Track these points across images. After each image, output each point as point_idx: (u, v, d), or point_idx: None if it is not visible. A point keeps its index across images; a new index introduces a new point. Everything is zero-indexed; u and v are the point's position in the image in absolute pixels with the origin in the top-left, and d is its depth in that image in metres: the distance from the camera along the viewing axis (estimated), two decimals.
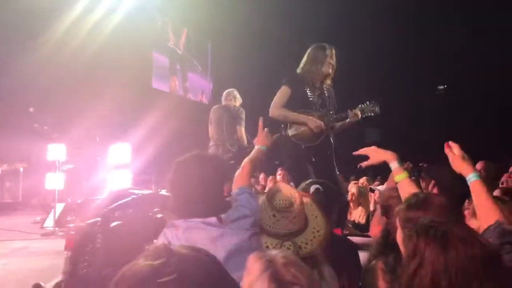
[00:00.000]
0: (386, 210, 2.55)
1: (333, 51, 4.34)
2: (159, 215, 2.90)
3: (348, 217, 5.99)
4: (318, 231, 2.14)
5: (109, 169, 9.04)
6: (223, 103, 6.29)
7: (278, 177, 7.59)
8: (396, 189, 2.46)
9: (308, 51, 4.39)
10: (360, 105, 4.31)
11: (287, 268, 1.25)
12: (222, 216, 2.01)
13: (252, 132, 6.66)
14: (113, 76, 9.78)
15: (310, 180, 2.83)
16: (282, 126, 4.35)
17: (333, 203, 2.65)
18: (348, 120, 4.33)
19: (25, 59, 8.57)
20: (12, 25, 8.47)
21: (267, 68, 11.82)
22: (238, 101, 6.27)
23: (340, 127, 4.44)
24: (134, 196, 3.14)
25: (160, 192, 3.17)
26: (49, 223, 6.68)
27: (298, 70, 4.41)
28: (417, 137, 13.74)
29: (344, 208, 4.57)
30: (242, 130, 6.01)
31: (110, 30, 10.00)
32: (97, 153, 10.03)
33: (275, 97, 4.31)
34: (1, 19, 8.16)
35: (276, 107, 4.26)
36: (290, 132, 4.27)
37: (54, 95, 9.31)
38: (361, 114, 4.27)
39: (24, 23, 8.66)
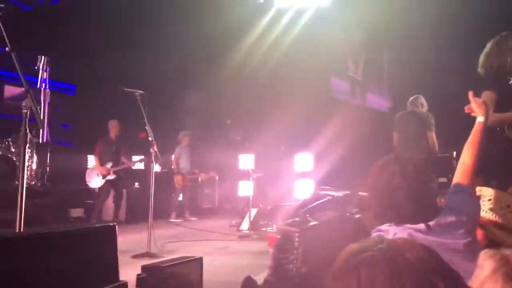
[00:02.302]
0: None
1: None
2: (357, 216, 2.96)
3: None
4: None
5: (294, 177, 9.51)
6: (409, 109, 6.08)
7: None
8: None
9: (494, 42, 3.97)
10: None
11: None
12: (432, 222, 1.86)
13: (441, 138, 6.34)
14: (294, 91, 10.24)
15: None
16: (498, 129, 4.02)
17: None
18: None
19: (215, 76, 9.56)
20: (202, 46, 9.52)
21: (446, 69, 11.07)
22: (425, 107, 6.02)
23: None
24: (330, 197, 3.25)
25: (358, 192, 3.22)
26: (245, 226, 7.27)
27: (486, 66, 4.04)
28: None
29: None
30: (433, 136, 5.73)
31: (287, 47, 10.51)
32: (281, 162, 10.62)
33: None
34: (198, 41, 9.22)
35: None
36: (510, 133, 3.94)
37: (242, 108, 10.13)
38: None
39: (213, 44, 9.65)
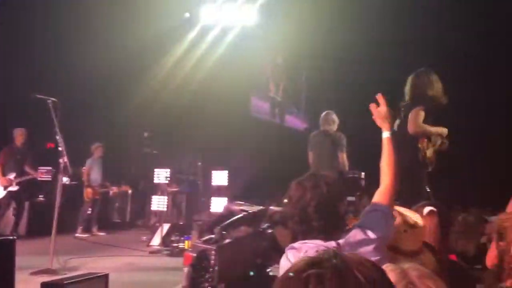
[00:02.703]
0: (501, 234, 2.43)
1: (436, 76, 4.52)
2: (269, 231, 2.98)
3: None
4: (424, 255, 2.09)
5: (210, 193, 9.46)
6: (322, 127, 6.28)
7: None
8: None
9: (412, 79, 4.54)
10: None
11: (421, 280, 1.21)
12: (341, 240, 1.91)
13: (352, 158, 6.62)
14: (215, 107, 10.24)
15: (424, 202, 2.77)
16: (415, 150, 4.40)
17: (447, 226, 2.58)
18: None
19: (136, 88, 9.32)
20: (124, 58, 9.25)
21: (363, 92, 11.66)
22: (337, 123, 6.24)
23: None
24: (245, 213, 3.25)
25: (270, 208, 3.24)
26: (156, 241, 7.07)
27: (410, 98, 4.52)
28: None
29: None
30: (344, 157, 5.99)
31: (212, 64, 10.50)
32: (198, 178, 10.52)
33: (412, 118, 4.36)
34: (117, 54, 8.94)
35: (416, 125, 4.31)
36: (428, 153, 4.34)
37: (162, 122, 9.94)
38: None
39: (138, 58, 9.42)
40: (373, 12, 10.08)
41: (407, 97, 4.53)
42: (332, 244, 1.87)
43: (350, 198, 8.67)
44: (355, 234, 1.96)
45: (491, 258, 2.82)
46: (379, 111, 2.29)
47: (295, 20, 10.64)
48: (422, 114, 4.36)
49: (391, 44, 10.65)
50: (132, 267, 5.70)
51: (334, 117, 6.22)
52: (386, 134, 2.24)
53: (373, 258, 1.76)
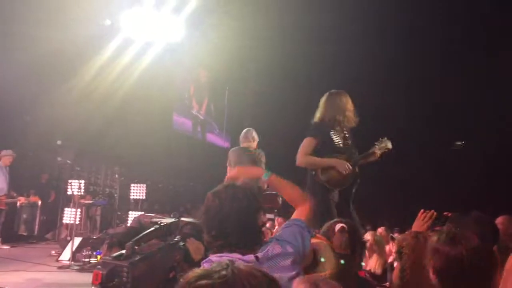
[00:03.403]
0: (400, 253, 2.57)
1: (348, 97, 4.51)
2: (181, 244, 2.92)
3: (364, 266, 5.91)
4: (326, 270, 2.14)
5: (128, 206, 9.18)
6: (242, 144, 6.24)
7: None
8: (410, 233, 2.52)
9: (325, 99, 4.53)
10: (375, 144, 4.46)
11: None
12: (259, 254, 1.89)
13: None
14: (137, 120, 9.98)
15: (336, 219, 2.87)
16: (313, 173, 4.37)
17: (357, 243, 2.68)
18: (370, 158, 4.46)
19: (55, 96, 8.85)
20: (45, 63, 8.77)
21: (283, 112, 11.95)
22: (256, 141, 6.24)
23: (361, 165, 4.54)
24: (157, 226, 3.16)
25: (182, 219, 3.17)
26: (65, 256, 6.70)
27: (317, 118, 4.50)
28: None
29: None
30: None
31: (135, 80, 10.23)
32: (115, 190, 10.18)
33: (301, 147, 4.33)
34: (36, 58, 8.47)
35: (303, 156, 4.27)
36: (323, 177, 4.31)
37: (81, 132, 9.51)
38: (379, 151, 4.42)
39: (59, 64, 8.95)
40: (297, 29, 10.37)
41: (315, 119, 4.49)
42: (251, 257, 1.85)
43: (268, 216, 8.82)
44: (273, 248, 1.94)
45: (395, 276, 2.99)
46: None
47: (219, 36, 10.73)
48: (311, 144, 4.30)
49: (310, 62, 11.06)
50: (37, 283, 5.34)
51: (254, 134, 6.22)
52: (265, 177, 2.34)
53: (290, 272, 1.86)
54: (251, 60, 11.63)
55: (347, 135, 4.52)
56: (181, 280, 1.01)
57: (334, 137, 4.39)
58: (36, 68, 8.55)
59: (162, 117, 11.04)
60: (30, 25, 8.08)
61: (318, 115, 4.50)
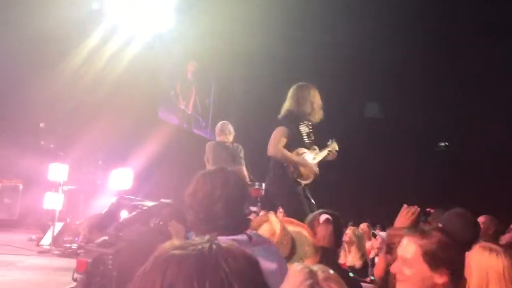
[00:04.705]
0: (390, 248, 2.60)
1: (316, 91, 4.47)
2: (163, 226, 2.90)
3: (344, 261, 5.97)
4: (303, 260, 2.18)
5: (109, 194, 9.08)
6: (218, 138, 6.10)
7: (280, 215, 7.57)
8: (401, 229, 2.54)
9: (293, 91, 4.47)
10: (328, 145, 4.57)
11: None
12: (253, 234, 1.92)
13: (252, 170, 6.70)
14: (122, 104, 9.90)
15: (321, 210, 2.90)
16: (285, 164, 4.34)
17: (341, 234, 2.72)
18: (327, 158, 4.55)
19: (41, 80, 8.71)
20: (30, 49, 8.61)
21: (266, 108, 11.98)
22: (232, 134, 6.10)
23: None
24: (139, 210, 3.14)
25: (161, 200, 3.13)
26: (46, 241, 6.64)
27: (286, 110, 4.45)
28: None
29: None
30: (243, 170, 5.78)
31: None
32: (98, 177, 10.08)
33: (273, 136, 4.28)
34: (23, 40, 8.32)
35: (274, 146, 4.22)
36: (294, 171, 4.31)
37: (61, 114, 9.39)
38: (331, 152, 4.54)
39: (44, 49, 8.79)
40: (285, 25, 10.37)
41: (283, 110, 4.44)
42: (243, 237, 1.87)
43: (253, 208, 8.84)
44: (258, 235, 1.98)
45: (378, 270, 3.02)
46: None
47: (206, 28, 10.68)
48: (283, 134, 4.24)
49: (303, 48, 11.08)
50: (16, 267, 5.30)
51: (231, 127, 6.10)
52: None
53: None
54: (240, 44, 11.55)
55: (311, 130, 4.51)
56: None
57: (302, 130, 4.38)
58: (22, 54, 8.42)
59: (146, 106, 10.97)
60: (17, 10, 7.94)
61: (286, 106, 4.44)
